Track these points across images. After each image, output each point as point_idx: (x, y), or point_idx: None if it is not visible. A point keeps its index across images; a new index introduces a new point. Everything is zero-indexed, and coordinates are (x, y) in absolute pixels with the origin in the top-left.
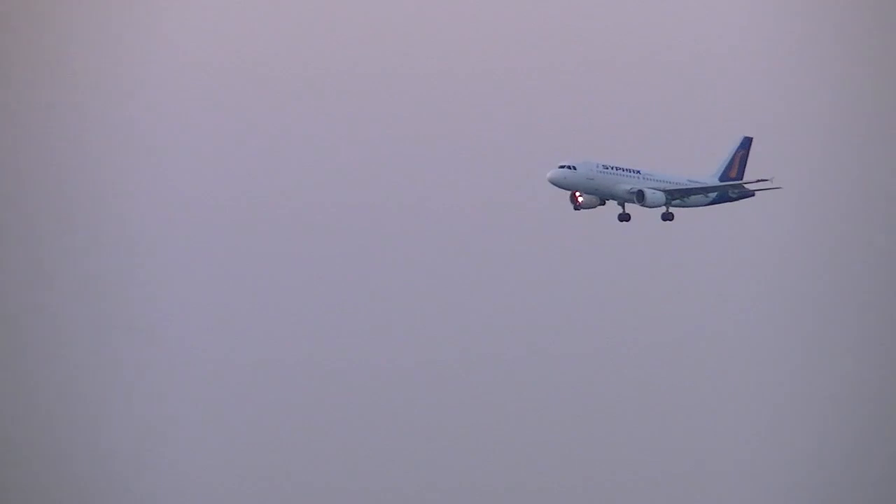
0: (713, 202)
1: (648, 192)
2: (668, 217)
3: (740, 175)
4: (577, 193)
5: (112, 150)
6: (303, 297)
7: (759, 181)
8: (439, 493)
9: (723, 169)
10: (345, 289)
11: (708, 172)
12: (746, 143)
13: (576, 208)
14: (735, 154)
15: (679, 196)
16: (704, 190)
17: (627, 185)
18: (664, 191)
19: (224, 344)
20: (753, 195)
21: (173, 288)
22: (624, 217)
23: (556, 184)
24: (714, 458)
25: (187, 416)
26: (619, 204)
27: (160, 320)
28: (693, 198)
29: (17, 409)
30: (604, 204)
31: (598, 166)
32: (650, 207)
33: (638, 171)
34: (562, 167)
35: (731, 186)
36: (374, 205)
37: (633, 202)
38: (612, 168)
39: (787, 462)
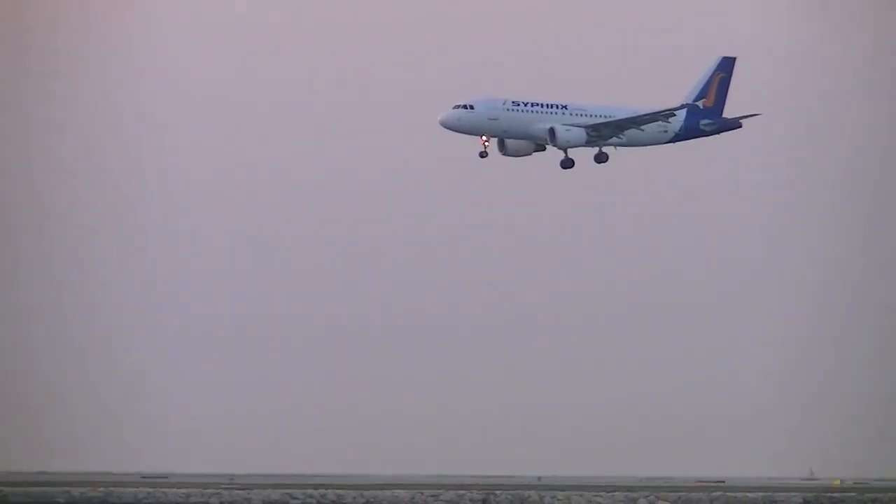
0: (677, 138)
1: (561, 130)
2: (601, 159)
3: (719, 103)
4: (485, 138)
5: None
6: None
7: (683, 106)
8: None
9: (694, 96)
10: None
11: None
12: (726, 64)
13: (481, 155)
14: (711, 77)
15: (607, 132)
16: (634, 122)
17: (546, 123)
18: (587, 126)
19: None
20: (740, 126)
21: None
22: (566, 163)
23: (450, 128)
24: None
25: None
26: (559, 148)
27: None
28: (634, 134)
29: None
30: (543, 149)
31: (504, 103)
32: (566, 148)
33: (564, 106)
34: (457, 107)
35: (660, 116)
36: None
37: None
38: (526, 104)
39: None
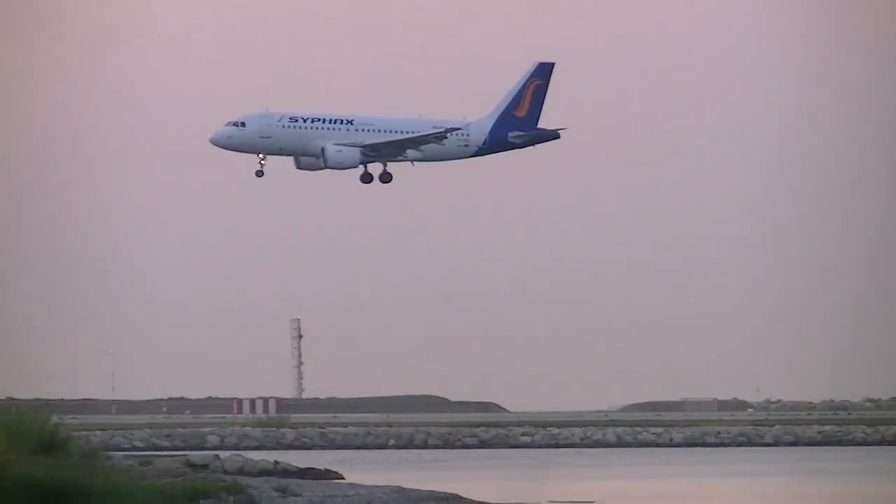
0: (481, 152)
1: (331, 150)
2: (385, 178)
3: (534, 113)
4: (261, 156)
5: None
6: None
7: (448, 131)
8: None
9: (505, 106)
10: None
11: (485, 112)
12: (543, 70)
13: (258, 174)
14: (526, 85)
15: (386, 150)
16: (412, 143)
17: (324, 140)
18: (363, 145)
19: None
20: (558, 136)
21: None
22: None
23: (221, 146)
24: None
25: None
26: (332, 169)
27: None
28: (428, 149)
29: None
30: None
31: (281, 119)
32: (339, 169)
33: (350, 121)
34: (228, 124)
35: (430, 138)
36: None
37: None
38: (305, 120)
39: None
